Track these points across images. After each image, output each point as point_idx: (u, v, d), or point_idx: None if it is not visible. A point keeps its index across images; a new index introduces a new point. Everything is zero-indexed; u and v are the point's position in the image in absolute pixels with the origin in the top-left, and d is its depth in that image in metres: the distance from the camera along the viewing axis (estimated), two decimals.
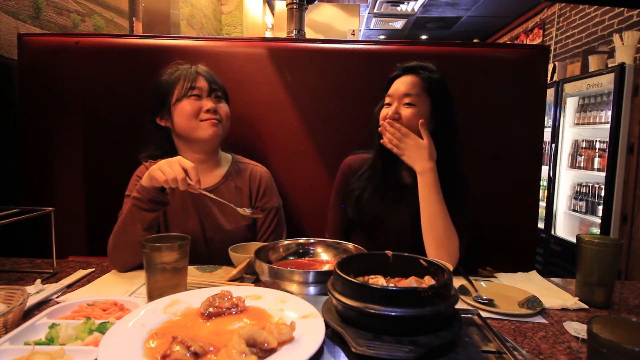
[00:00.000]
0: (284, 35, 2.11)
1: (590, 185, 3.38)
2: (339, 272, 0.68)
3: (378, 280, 0.75)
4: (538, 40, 5.07)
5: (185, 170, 0.98)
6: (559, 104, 3.62)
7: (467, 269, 1.10)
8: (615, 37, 3.18)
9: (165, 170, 0.97)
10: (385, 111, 1.22)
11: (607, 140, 3.03)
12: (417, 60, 1.23)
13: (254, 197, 1.31)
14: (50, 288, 0.93)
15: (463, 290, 0.96)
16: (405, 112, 1.18)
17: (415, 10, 5.46)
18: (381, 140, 1.17)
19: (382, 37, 6.94)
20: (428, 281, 0.74)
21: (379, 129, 1.19)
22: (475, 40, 6.59)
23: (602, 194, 3.11)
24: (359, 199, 1.26)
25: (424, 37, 6.95)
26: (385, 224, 1.24)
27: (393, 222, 1.23)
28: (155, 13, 2.35)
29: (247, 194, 1.30)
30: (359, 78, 1.52)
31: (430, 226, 1.13)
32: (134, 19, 2.36)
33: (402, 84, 1.21)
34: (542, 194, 3.75)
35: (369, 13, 5.64)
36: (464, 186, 1.25)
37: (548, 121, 3.66)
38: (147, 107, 1.27)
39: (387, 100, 1.24)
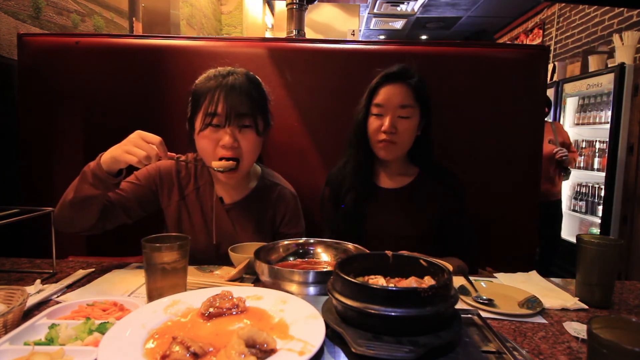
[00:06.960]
0: (284, 35, 2.11)
1: (590, 185, 3.38)
2: (339, 272, 0.68)
3: (378, 281, 0.75)
4: (538, 40, 5.07)
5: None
6: (559, 104, 3.62)
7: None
8: (615, 37, 3.18)
9: (133, 152, 0.91)
10: (377, 122, 1.17)
11: (607, 140, 3.03)
12: (417, 61, 1.21)
13: (278, 221, 1.24)
14: (50, 288, 0.92)
15: (463, 290, 0.96)
16: (402, 125, 1.15)
17: (415, 10, 5.47)
18: None
19: (382, 37, 6.94)
20: (428, 281, 0.73)
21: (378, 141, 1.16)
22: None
23: (602, 194, 3.11)
24: (349, 208, 1.22)
25: (424, 37, 6.95)
26: (382, 231, 1.22)
27: (387, 228, 1.22)
28: (155, 13, 2.35)
29: (271, 216, 1.23)
30: (359, 78, 1.51)
31: None
32: (133, 19, 2.36)
33: (395, 95, 1.15)
34: None
35: (369, 13, 5.65)
36: (456, 183, 1.26)
37: None
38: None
39: (376, 110, 1.17)
